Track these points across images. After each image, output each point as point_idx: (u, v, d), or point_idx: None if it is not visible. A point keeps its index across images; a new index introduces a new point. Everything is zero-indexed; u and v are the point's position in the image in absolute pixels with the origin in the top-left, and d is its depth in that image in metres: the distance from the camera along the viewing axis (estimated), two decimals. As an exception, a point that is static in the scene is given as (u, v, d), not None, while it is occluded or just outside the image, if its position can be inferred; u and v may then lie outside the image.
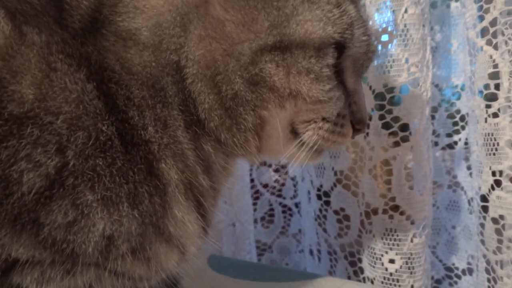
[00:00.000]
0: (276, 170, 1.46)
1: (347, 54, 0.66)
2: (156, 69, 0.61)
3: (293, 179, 1.45)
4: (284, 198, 1.46)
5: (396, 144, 0.95)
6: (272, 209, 1.46)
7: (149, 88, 0.60)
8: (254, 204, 1.44)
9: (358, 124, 0.70)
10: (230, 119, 0.63)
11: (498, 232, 0.91)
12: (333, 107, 0.65)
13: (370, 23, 0.96)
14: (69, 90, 0.52)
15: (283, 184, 1.47)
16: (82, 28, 0.59)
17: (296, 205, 1.45)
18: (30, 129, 0.49)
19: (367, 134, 0.98)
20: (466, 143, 1.11)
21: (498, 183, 0.90)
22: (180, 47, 0.62)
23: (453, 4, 1.10)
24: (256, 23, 0.61)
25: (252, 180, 1.43)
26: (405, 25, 0.90)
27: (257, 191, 1.46)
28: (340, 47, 0.65)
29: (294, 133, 0.68)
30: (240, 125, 0.64)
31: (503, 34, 0.87)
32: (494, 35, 0.89)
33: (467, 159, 1.10)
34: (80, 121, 0.52)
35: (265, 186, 1.47)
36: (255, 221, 1.44)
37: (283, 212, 1.46)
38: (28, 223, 0.49)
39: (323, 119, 0.66)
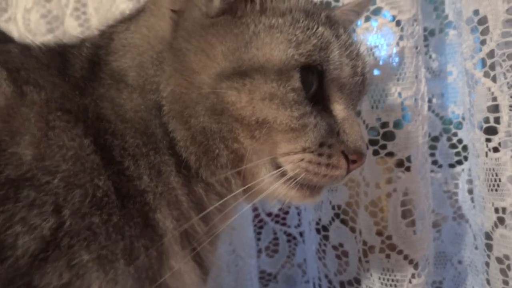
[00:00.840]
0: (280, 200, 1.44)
1: (329, 79, 0.62)
2: (145, 112, 0.61)
3: (297, 207, 1.42)
4: (289, 226, 1.43)
5: (392, 180, 0.91)
6: (276, 238, 1.43)
7: (142, 135, 0.60)
8: (259, 233, 1.42)
9: (352, 155, 0.63)
10: (204, 155, 0.61)
11: (503, 272, 0.86)
12: (311, 136, 0.60)
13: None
14: (67, 148, 0.52)
15: (287, 212, 1.44)
16: (83, 76, 0.61)
17: (301, 234, 1.42)
18: (27, 191, 0.48)
19: (362, 169, 0.95)
20: (469, 174, 1.06)
21: (501, 220, 0.86)
22: (157, 86, 0.61)
23: (451, 32, 1.07)
24: (214, 50, 0.59)
25: (255, 209, 1.42)
26: (397, 59, 0.88)
27: (261, 220, 1.44)
28: (316, 72, 0.61)
29: (279, 168, 0.63)
30: (215, 161, 0.61)
31: (501, 66, 0.84)
32: (492, 67, 0.86)
33: (471, 191, 1.06)
34: (77, 179, 0.52)
35: (269, 214, 1.45)
36: (259, 250, 1.41)
37: (288, 241, 1.42)
38: (21, 286, 0.48)
39: (304, 149, 0.61)
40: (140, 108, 0.60)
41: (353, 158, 0.63)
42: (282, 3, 0.63)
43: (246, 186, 0.64)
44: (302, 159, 0.61)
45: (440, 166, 1.12)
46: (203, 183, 0.63)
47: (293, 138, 0.60)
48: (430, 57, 1.10)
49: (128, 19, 0.68)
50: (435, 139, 1.10)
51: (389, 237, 0.92)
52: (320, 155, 0.61)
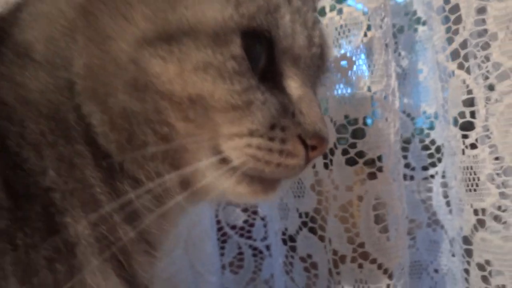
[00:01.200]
0: (245, 210, 1.35)
1: (280, 50, 0.52)
2: (54, 93, 0.49)
3: (263, 218, 1.33)
4: (255, 240, 1.34)
5: (362, 182, 0.84)
6: (241, 253, 1.34)
7: (48, 120, 0.48)
8: (222, 247, 1.32)
9: (311, 139, 0.53)
10: (128, 143, 0.49)
11: (485, 279, 0.79)
12: (258, 115, 0.50)
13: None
14: None
15: (252, 225, 1.35)
16: None
17: (267, 247, 1.33)
18: None
19: (331, 171, 0.87)
20: (443, 176, 1.00)
21: (481, 223, 0.79)
22: (69, 61, 0.50)
23: (421, 28, 1.03)
24: (133, 10, 0.48)
25: (218, 221, 1.32)
26: (365, 50, 0.81)
27: (224, 234, 1.34)
28: (266, 41, 0.51)
29: (223, 158, 0.52)
30: (142, 151, 0.50)
31: (475, 57, 0.78)
32: (466, 58, 0.80)
33: (446, 194, 1.00)
34: None
35: (233, 227, 1.35)
36: (223, 266, 1.31)
37: (254, 255, 1.33)
38: None
39: (251, 133, 0.50)
40: (48, 88, 0.49)
41: (312, 143, 0.53)
42: None
43: (188, 183, 0.53)
44: (249, 145, 0.50)
45: (413, 169, 1.05)
46: (130, 179, 0.51)
47: (236, 119, 0.49)
48: (400, 54, 1.05)
49: None
50: (407, 140, 1.04)
51: (361, 245, 0.84)
52: (271, 139, 0.51)
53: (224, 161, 0.51)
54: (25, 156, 0.45)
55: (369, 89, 0.82)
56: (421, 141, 1.05)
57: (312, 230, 0.94)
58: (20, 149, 0.46)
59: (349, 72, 0.83)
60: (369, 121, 0.83)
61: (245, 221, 1.36)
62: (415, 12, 1.03)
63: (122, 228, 0.51)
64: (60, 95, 0.49)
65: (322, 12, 0.86)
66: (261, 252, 1.33)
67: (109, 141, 0.50)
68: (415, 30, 1.04)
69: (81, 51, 0.50)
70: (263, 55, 0.51)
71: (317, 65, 0.58)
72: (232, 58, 0.48)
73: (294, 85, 0.54)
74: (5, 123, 0.46)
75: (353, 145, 0.83)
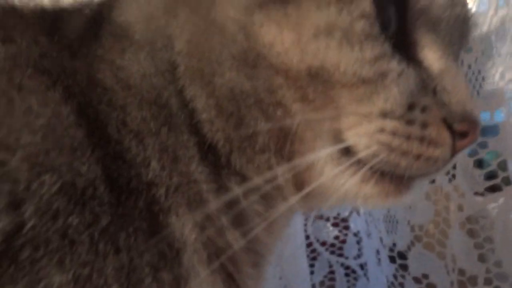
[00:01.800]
0: (335, 224, 1.25)
1: (414, 12, 0.43)
2: (156, 77, 0.44)
3: (356, 234, 1.23)
4: (347, 258, 1.24)
5: (496, 188, 0.71)
6: (332, 272, 1.25)
7: (150, 105, 0.43)
8: (311, 265, 1.23)
9: (460, 123, 0.42)
10: (236, 131, 0.42)
11: None
12: (393, 91, 0.40)
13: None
14: (35, 114, 0.37)
15: (344, 241, 1.25)
16: (79, 36, 0.46)
17: (362, 266, 1.23)
18: None
19: (453, 176, 0.75)
20: None
21: None
22: (170, 40, 0.45)
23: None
24: None
25: (307, 237, 1.24)
26: (494, 31, 0.70)
27: (313, 250, 1.26)
28: (397, 3, 0.42)
29: (346, 148, 0.42)
30: (251, 140, 0.42)
31: None
32: None
33: None
34: (47, 159, 0.36)
35: (323, 244, 1.26)
36: (313, 286, 1.22)
37: (346, 275, 1.24)
38: None
39: (384, 114, 0.41)
40: (149, 70, 0.44)
41: (461, 128, 0.42)
42: None
43: (302, 182, 0.44)
44: (382, 129, 0.40)
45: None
46: (238, 176, 0.44)
47: (365, 96, 0.40)
48: None
49: None
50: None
51: (498, 264, 0.70)
52: (409, 122, 0.41)
53: (348, 152, 0.42)
54: (127, 145, 0.40)
55: (502, 77, 0.69)
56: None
57: (428, 246, 0.82)
58: (121, 137, 0.40)
59: (475, 58, 0.71)
60: (501, 115, 0.70)
61: (336, 237, 1.27)
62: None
63: (231, 233, 0.44)
64: (163, 79, 0.44)
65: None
66: (354, 271, 1.23)
67: (215, 129, 0.43)
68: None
69: (183, 26, 0.44)
70: (393, 18, 0.42)
71: (460, 31, 0.47)
72: (362, 17, 0.39)
73: (433, 57, 0.44)
74: (106, 109, 0.41)
75: (483, 144, 0.71)
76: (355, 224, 1.20)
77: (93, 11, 0.50)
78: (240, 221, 0.45)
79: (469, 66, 0.71)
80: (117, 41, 0.46)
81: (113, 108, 0.42)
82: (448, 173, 0.76)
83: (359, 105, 0.40)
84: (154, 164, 0.41)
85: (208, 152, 0.44)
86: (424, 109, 0.42)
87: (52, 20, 0.48)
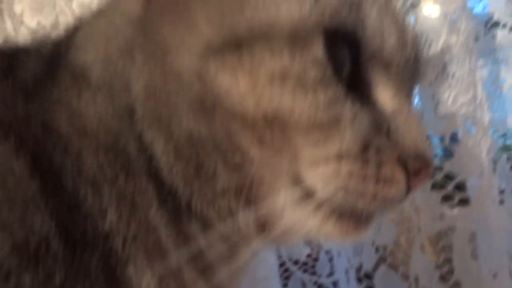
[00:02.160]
0: (307, 243, 1.26)
1: (368, 54, 0.43)
2: (114, 121, 0.43)
3: (327, 252, 1.23)
4: (319, 276, 1.24)
5: (453, 209, 0.73)
6: (305, 291, 1.24)
7: (107, 151, 0.42)
8: (285, 285, 1.23)
9: (413, 162, 0.42)
10: (196, 176, 0.42)
11: None
12: (347, 134, 0.40)
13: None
14: None
15: (316, 259, 1.26)
16: (35, 77, 0.45)
17: (335, 284, 1.22)
18: None
19: (414, 197, 0.77)
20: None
21: None
22: (128, 82, 0.44)
23: (500, 33, 0.92)
24: (195, 14, 0.42)
25: (280, 257, 1.23)
26: (446, 58, 0.72)
27: (286, 270, 1.25)
28: (350, 44, 0.42)
29: (304, 188, 0.42)
30: (211, 183, 0.42)
31: None
32: None
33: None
34: None
35: (296, 262, 1.26)
36: (286, 306, 1.21)
37: (319, 293, 1.23)
38: None
39: (340, 156, 0.40)
40: (107, 115, 0.43)
41: (415, 166, 0.42)
42: None
43: (265, 222, 0.43)
44: (338, 172, 0.40)
45: (502, 192, 0.92)
46: (199, 219, 0.43)
47: (321, 140, 0.40)
48: (478, 63, 0.94)
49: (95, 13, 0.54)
50: (494, 160, 0.92)
51: (457, 284, 0.72)
52: (364, 163, 0.41)
53: (307, 193, 0.41)
54: (82, 195, 0.39)
55: (455, 101, 0.72)
56: (510, 159, 0.92)
57: (393, 267, 0.83)
58: (77, 187, 0.40)
59: (429, 83, 0.73)
60: (456, 138, 0.73)
61: (309, 255, 1.27)
62: (491, 16, 0.93)
63: (192, 280, 0.43)
64: (120, 123, 0.43)
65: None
66: (327, 289, 1.23)
67: (174, 173, 0.42)
68: (493, 35, 0.93)
69: (140, 70, 0.44)
70: (347, 61, 0.43)
71: (412, 70, 0.47)
72: (314, 62, 0.40)
73: (386, 96, 0.45)
74: (61, 157, 0.40)
75: (440, 167, 0.73)
76: (356, 240, 1.21)
77: (50, 49, 0.49)
78: (202, 268, 0.44)
79: (424, 91, 0.74)
80: (74, 83, 0.45)
81: (68, 156, 0.41)
82: (408, 194, 0.78)
83: (315, 148, 0.41)
84: (111, 213, 0.40)
85: (168, 197, 0.43)
86: (378, 150, 0.42)
87: (8, 61, 0.47)
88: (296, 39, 0.40)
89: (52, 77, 0.46)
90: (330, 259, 1.21)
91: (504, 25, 0.90)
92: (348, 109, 0.41)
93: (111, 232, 0.39)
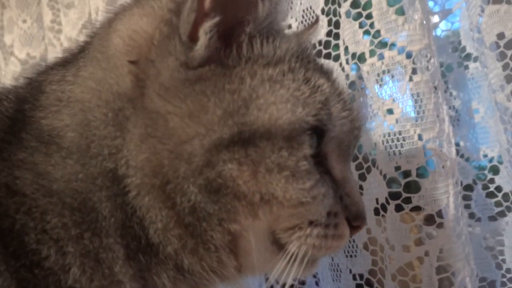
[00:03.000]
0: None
1: (328, 138, 0.53)
2: (83, 183, 0.47)
3: (314, 275, 1.25)
4: (307, 298, 1.25)
5: (421, 241, 0.75)
6: (293, 314, 1.25)
7: (73, 212, 0.46)
8: (273, 308, 1.24)
9: (356, 220, 0.56)
10: (193, 238, 0.49)
11: None
12: (320, 208, 0.52)
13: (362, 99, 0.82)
14: None
15: (303, 283, 1.27)
16: None
17: (321, 306, 1.24)
18: None
19: (384, 228, 0.79)
20: (517, 228, 0.88)
21: None
22: (117, 151, 0.49)
23: (472, 65, 0.95)
24: (206, 113, 0.48)
25: (267, 279, 1.25)
26: (412, 96, 0.75)
27: (274, 293, 1.27)
28: (319, 131, 0.52)
29: (277, 243, 0.53)
30: (207, 244, 0.49)
31: (540, 95, 0.70)
32: (529, 96, 0.72)
33: (522, 248, 0.87)
34: None
35: (283, 286, 1.28)
36: (274, 330, 1.22)
37: (307, 317, 1.24)
38: None
39: (310, 223, 0.52)
40: (76, 177, 0.47)
41: (357, 224, 0.56)
42: (272, 49, 0.53)
43: (241, 266, 0.54)
44: (309, 235, 0.52)
45: (478, 220, 0.94)
46: (173, 271, 0.50)
47: (299, 213, 0.51)
48: (451, 94, 0.97)
49: (62, 65, 0.57)
50: (468, 188, 0.94)
51: (426, 315, 0.74)
52: (327, 226, 0.53)
53: (281, 248, 0.52)
54: (45, 254, 0.43)
55: (420, 137, 0.74)
56: (485, 187, 0.94)
57: (369, 295, 0.85)
58: (40, 246, 0.43)
59: (396, 120, 0.76)
60: (423, 172, 0.75)
61: (296, 279, 1.29)
62: (464, 48, 0.96)
63: None
64: (92, 184, 0.48)
65: (362, 58, 0.81)
66: (314, 313, 1.25)
67: (170, 235, 0.49)
68: (466, 67, 0.96)
69: (140, 145, 0.49)
70: (315, 145, 0.52)
71: (354, 145, 0.60)
72: (304, 158, 0.49)
73: (337, 167, 0.56)
74: (24, 218, 0.44)
75: (408, 200, 0.75)
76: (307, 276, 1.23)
77: (11, 106, 0.52)
78: None
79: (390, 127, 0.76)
80: (41, 145, 0.48)
81: (31, 217, 0.44)
82: (380, 225, 0.81)
83: (293, 218, 0.51)
84: (74, 269, 0.44)
85: (141, 253, 0.48)
86: (336, 215, 0.54)
87: None
88: (292, 138, 0.49)
89: (14, 138, 0.49)
90: (317, 283, 1.22)
91: (476, 58, 0.93)
92: (322, 190, 0.51)
93: (74, 286, 0.42)
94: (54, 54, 1.23)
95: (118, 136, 0.49)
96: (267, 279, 1.25)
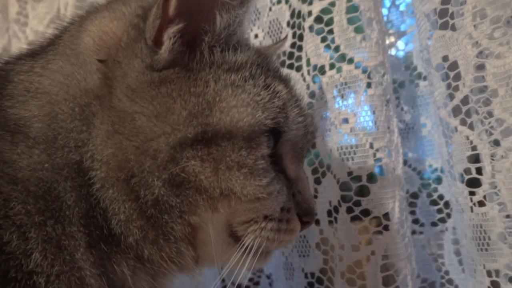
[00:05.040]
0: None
1: (284, 139, 0.58)
2: (50, 172, 0.50)
3: (268, 277, 1.29)
4: (261, 299, 1.29)
5: (369, 241, 0.81)
6: (248, 314, 1.28)
7: (37, 199, 0.48)
8: (228, 309, 1.27)
9: (306, 216, 0.61)
10: (154, 230, 0.52)
11: None
12: (274, 203, 0.56)
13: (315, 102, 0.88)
14: None
15: (257, 283, 1.31)
16: None
17: (274, 306, 1.28)
18: None
19: (336, 229, 0.85)
20: (454, 233, 0.97)
21: (495, 285, 0.75)
22: (83, 145, 0.51)
23: (422, 83, 1.03)
24: (172, 114, 0.52)
25: (223, 280, 1.27)
26: (365, 107, 0.81)
27: (229, 293, 1.30)
28: (276, 133, 0.57)
29: (234, 236, 0.58)
30: (167, 235, 0.53)
31: (477, 113, 0.78)
32: (468, 114, 0.79)
33: (457, 252, 0.95)
34: None
35: (238, 286, 1.31)
36: (229, 329, 1.25)
37: (260, 315, 1.27)
38: None
39: (265, 217, 0.57)
40: (42, 166, 0.49)
41: (307, 219, 0.61)
42: (233, 55, 0.57)
43: (198, 257, 0.58)
44: (264, 228, 0.56)
45: (422, 225, 1.02)
46: (133, 260, 0.53)
47: (255, 207, 0.55)
48: (402, 109, 1.05)
49: (30, 56, 0.59)
50: (414, 195, 1.02)
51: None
52: (280, 221, 0.58)
53: (237, 241, 0.57)
54: (6, 239, 0.44)
55: (371, 146, 0.81)
56: (429, 195, 1.02)
57: (319, 293, 0.90)
58: (2, 231, 0.45)
59: (351, 129, 0.82)
60: (373, 178, 0.82)
61: (251, 279, 1.32)
62: (415, 68, 1.04)
63: None
64: (57, 175, 0.50)
65: (322, 70, 0.87)
66: (268, 312, 1.28)
67: (132, 226, 0.51)
68: (417, 85, 1.04)
69: (106, 140, 0.51)
70: (271, 145, 0.57)
71: (307, 148, 0.65)
72: (262, 157, 0.54)
73: (291, 167, 0.61)
74: None
75: (358, 203, 0.81)
76: (267, 266, 1.27)
77: None
78: None
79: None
80: (7, 134, 0.50)
81: None
82: (332, 225, 0.86)
83: (249, 212, 0.55)
84: (36, 254, 0.45)
85: (103, 242, 0.51)
86: (288, 210, 0.59)
87: None
88: (251, 139, 0.53)
89: None
90: (270, 284, 1.27)
91: (425, 77, 1.01)
92: (277, 186, 0.56)
93: (35, 270, 0.44)
94: (18, 47, 1.22)
95: (84, 130, 0.52)
96: (223, 280, 1.29)
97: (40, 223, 0.47)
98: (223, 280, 1.26)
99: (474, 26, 0.74)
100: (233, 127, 0.52)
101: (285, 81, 0.62)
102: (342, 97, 0.84)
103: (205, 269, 0.64)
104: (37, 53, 0.59)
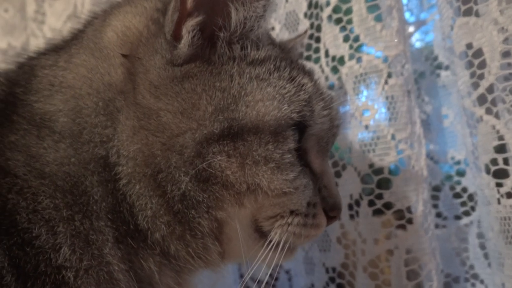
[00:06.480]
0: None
1: (309, 133, 0.57)
2: (76, 166, 0.49)
3: (287, 272, 1.28)
4: (280, 295, 1.28)
5: (392, 235, 0.79)
6: (267, 309, 1.27)
7: (65, 194, 0.48)
8: (246, 305, 1.26)
9: (333, 211, 0.60)
10: (181, 225, 0.52)
11: None
12: (301, 198, 0.55)
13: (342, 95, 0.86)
14: None
15: (276, 279, 1.30)
16: None
17: (294, 302, 1.27)
18: None
19: (357, 223, 0.83)
20: (479, 226, 0.94)
21: (524, 279, 0.73)
22: (108, 140, 0.51)
23: (443, 73, 1.00)
24: (198, 109, 0.51)
25: (241, 276, 1.27)
26: (387, 98, 0.79)
27: (247, 288, 1.29)
28: (301, 127, 0.56)
29: (259, 231, 0.57)
30: (194, 231, 0.52)
31: (503, 102, 0.75)
32: (493, 103, 0.77)
33: (483, 246, 0.93)
34: None
35: (257, 281, 1.30)
36: (248, 326, 1.24)
37: (280, 312, 1.27)
38: None
39: (292, 212, 0.55)
40: (68, 160, 0.49)
41: (333, 214, 0.60)
42: (256, 49, 0.56)
43: (224, 253, 0.57)
44: (290, 223, 0.55)
45: (445, 218, 0.99)
46: (159, 256, 0.53)
47: (282, 202, 0.54)
48: (423, 100, 1.02)
49: (54, 51, 0.58)
50: (437, 188, 0.99)
51: (395, 304, 0.78)
52: (307, 216, 0.57)
53: (263, 236, 0.56)
54: (35, 233, 0.44)
55: (393, 137, 0.79)
56: (452, 188, 0.99)
57: (340, 286, 0.89)
58: (31, 225, 0.44)
59: (372, 120, 0.80)
60: (395, 170, 0.80)
61: (270, 275, 1.31)
62: (436, 57, 1.01)
63: None
64: (84, 169, 0.50)
65: (341, 61, 0.86)
66: (287, 308, 1.27)
67: (159, 222, 0.51)
68: (438, 75, 1.01)
69: (132, 136, 0.51)
70: (297, 139, 0.56)
71: (332, 142, 0.64)
72: (289, 151, 0.53)
73: (317, 162, 0.60)
74: (16, 198, 0.45)
75: (380, 196, 0.80)
76: (286, 262, 1.26)
77: (3, 89, 0.53)
78: None
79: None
80: (33, 128, 0.50)
81: (23, 197, 0.45)
82: (353, 219, 0.85)
83: (276, 207, 0.55)
84: (65, 248, 0.45)
85: (130, 237, 0.51)
86: (314, 205, 0.58)
87: None
88: (277, 133, 0.52)
89: (6, 120, 0.50)
90: (289, 279, 1.26)
91: (447, 66, 0.99)
92: (303, 181, 0.55)
93: (64, 265, 0.44)
94: (36, 44, 1.23)
95: (109, 125, 0.52)
96: (241, 276, 1.29)
97: (68, 217, 0.47)
98: (241, 276, 1.26)
99: (500, 11, 0.71)
100: (259, 121, 0.51)
101: (310, 74, 0.61)
102: (362, 88, 0.82)
103: (229, 264, 0.63)
104: (61, 47, 0.59)
